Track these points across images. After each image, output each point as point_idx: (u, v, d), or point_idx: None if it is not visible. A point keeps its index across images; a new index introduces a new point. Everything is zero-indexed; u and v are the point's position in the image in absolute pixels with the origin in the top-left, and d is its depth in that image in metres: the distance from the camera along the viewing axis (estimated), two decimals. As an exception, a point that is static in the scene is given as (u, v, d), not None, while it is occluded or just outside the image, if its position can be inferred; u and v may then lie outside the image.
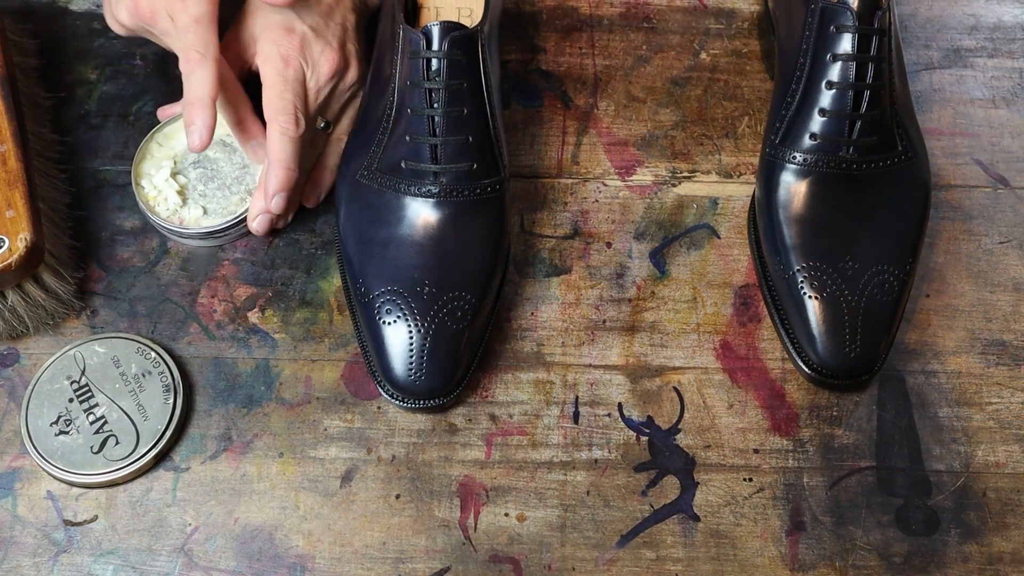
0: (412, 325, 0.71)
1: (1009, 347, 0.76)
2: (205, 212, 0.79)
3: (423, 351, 0.71)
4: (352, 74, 0.80)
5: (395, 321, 0.72)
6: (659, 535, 0.70)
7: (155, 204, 0.79)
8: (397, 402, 0.72)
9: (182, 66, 0.74)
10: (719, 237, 0.81)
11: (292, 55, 0.76)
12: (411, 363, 0.71)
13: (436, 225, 0.74)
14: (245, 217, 0.78)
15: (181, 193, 0.80)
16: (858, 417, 0.74)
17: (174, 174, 0.80)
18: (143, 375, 0.74)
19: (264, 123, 0.76)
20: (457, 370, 0.72)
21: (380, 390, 0.73)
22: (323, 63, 0.77)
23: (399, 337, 0.71)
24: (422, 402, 0.72)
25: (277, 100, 0.76)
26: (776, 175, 0.76)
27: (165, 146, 0.82)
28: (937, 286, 0.79)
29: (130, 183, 0.82)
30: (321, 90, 0.78)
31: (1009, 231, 0.81)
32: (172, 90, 0.86)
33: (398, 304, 0.72)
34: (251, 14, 0.79)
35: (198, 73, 0.73)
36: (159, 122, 0.84)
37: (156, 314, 0.77)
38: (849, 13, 0.74)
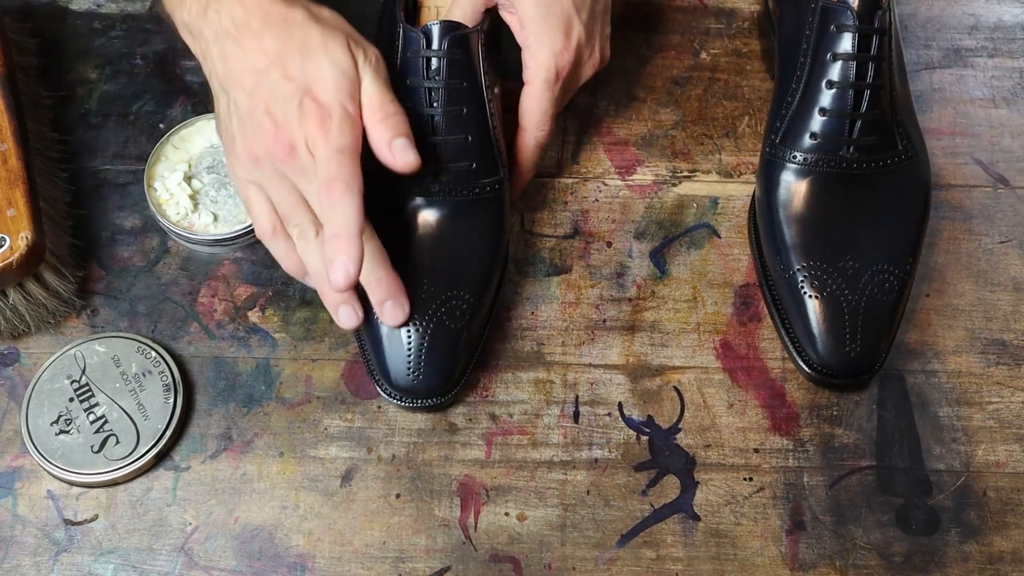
0: (410, 324, 0.71)
1: (1009, 347, 0.76)
2: (215, 219, 0.79)
3: (421, 350, 0.71)
4: (600, 64, 0.80)
5: None
6: (659, 534, 0.70)
7: (166, 207, 0.79)
8: (396, 401, 0.72)
9: (321, 198, 0.67)
10: (719, 237, 0.81)
11: (564, 69, 0.76)
12: (409, 362, 0.71)
13: (435, 224, 0.74)
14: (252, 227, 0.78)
15: (193, 198, 0.80)
16: (858, 417, 0.74)
17: (187, 178, 0.80)
18: (143, 374, 0.74)
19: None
20: (455, 369, 0.72)
21: (379, 389, 0.73)
22: (587, 70, 0.79)
23: (397, 336, 0.71)
24: (420, 401, 0.72)
25: (540, 114, 0.77)
26: (776, 174, 0.76)
27: (180, 149, 0.82)
28: (937, 286, 0.79)
29: (131, 182, 0.82)
30: (572, 91, 0.80)
31: (1009, 231, 0.81)
32: (172, 89, 0.86)
33: None
34: None
35: (344, 203, 0.66)
36: (159, 122, 0.84)
37: (156, 313, 0.77)
38: (849, 13, 0.74)
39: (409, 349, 0.71)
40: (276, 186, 0.69)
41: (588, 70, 0.78)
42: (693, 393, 0.75)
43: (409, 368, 0.71)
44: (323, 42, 0.68)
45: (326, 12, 0.71)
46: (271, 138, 0.68)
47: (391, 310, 0.71)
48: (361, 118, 0.69)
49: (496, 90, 0.77)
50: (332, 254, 0.66)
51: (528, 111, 0.77)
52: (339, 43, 0.69)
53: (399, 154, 0.69)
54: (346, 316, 0.70)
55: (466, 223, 0.74)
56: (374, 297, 0.70)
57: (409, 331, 0.71)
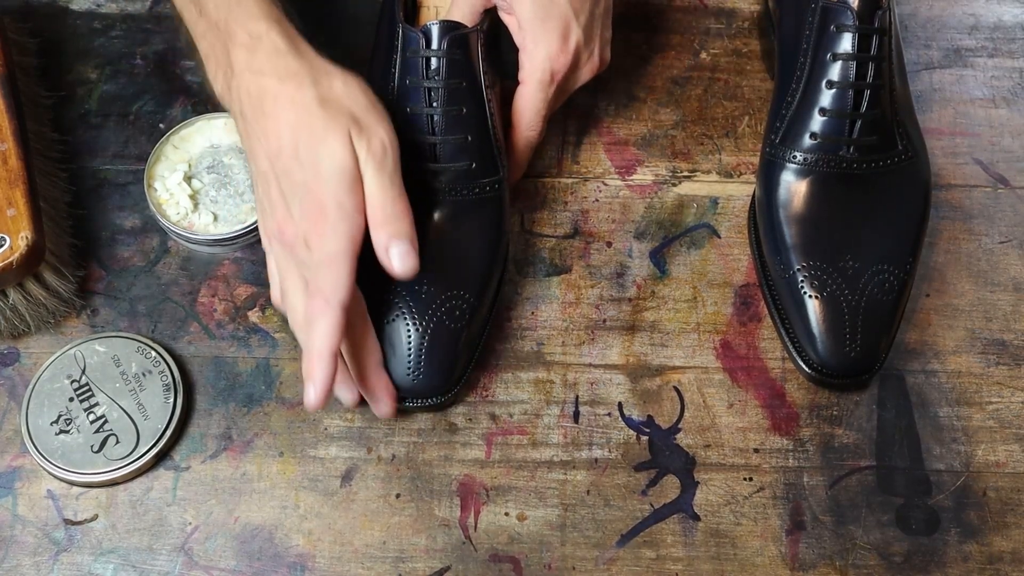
0: (410, 324, 0.71)
1: (1009, 347, 0.76)
2: (215, 219, 0.79)
3: (421, 350, 0.71)
4: (599, 67, 0.80)
5: (393, 320, 0.72)
6: (659, 534, 0.70)
7: (166, 207, 0.79)
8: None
9: (306, 307, 0.67)
10: (719, 236, 0.81)
11: (559, 72, 0.76)
12: (409, 362, 0.71)
13: (434, 224, 0.74)
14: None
15: (193, 198, 0.80)
16: (858, 417, 0.74)
17: (187, 178, 0.80)
18: (143, 374, 0.74)
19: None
20: (455, 369, 0.72)
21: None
22: (585, 73, 0.79)
23: (397, 336, 0.71)
24: (420, 401, 0.72)
25: (531, 114, 0.77)
26: (776, 174, 0.76)
27: (180, 149, 0.82)
28: (937, 286, 0.79)
29: (131, 182, 0.82)
30: (568, 92, 0.79)
31: (1009, 231, 0.81)
32: (172, 89, 0.86)
33: (396, 303, 0.72)
34: None
35: (321, 322, 0.65)
36: (159, 122, 0.84)
37: (156, 313, 0.77)
38: (849, 12, 0.74)
39: (409, 349, 0.71)
40: (282, 265, 0.69)
41: (587, 73, 0.78)
42: (693, 393, 0.75)
43: (409, 368, 0.71)
44: (323, 133, 0.66)
45: (338, 86, 0.68)
46: (278, 226, 0.68)
47: (384, 409, 0.71)
48: (361, 213, 0.67)
49: (496, 89, 0.78)
50: (306, 372, 0.66)
51: (520, 110, 0.77)
52: (339, 135, 0.66)
53: (396, 260, 0.67)
54: (309, 396, 0.66)
55: (466, 223, 0.74)
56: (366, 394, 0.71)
57: (409, 331, 0.71)
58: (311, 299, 0.65)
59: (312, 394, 0.65)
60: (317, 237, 0.66)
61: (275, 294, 0.71)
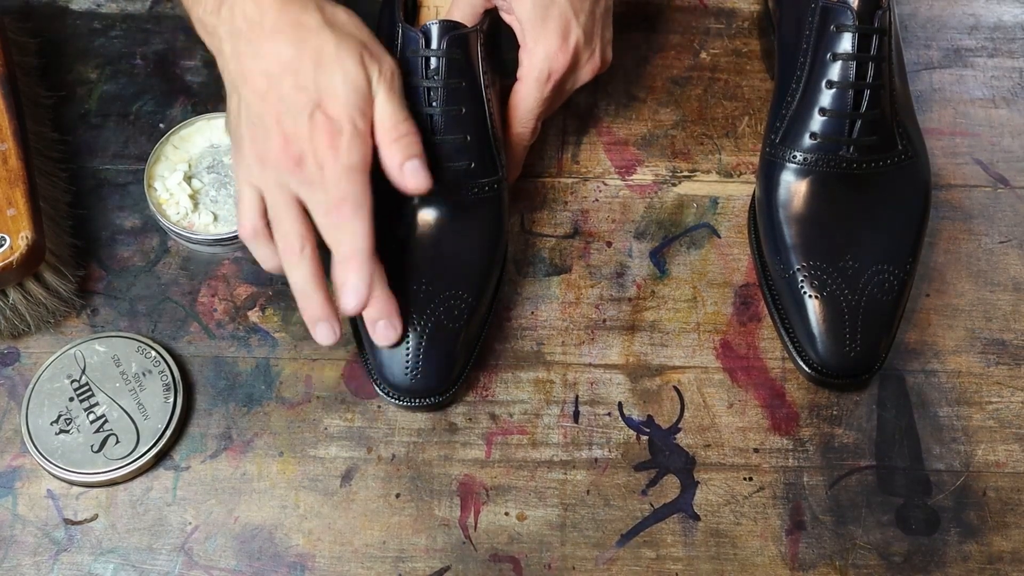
0: (408, 324, 0.71)
1: (1009, 346, 0.76)
2: (215, 219, 0.79)
3: (419, 350, 0.71)
4: (600, 68, 0.80)
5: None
6: (659, 534, 0.70)
7: (166, 207, 0.79)
8: (395, 401, 0.72)
9: (329, 217, 0.67)
10: (719, 236, 0.81)
11: (558, 71, 0.76)
12: (408, 362, 0.71)
13: (433, 224, 0.74)
14: None
15: (193, 198, 0.80)
16: (858, 416, 0.74)
17: (187, 178, 0.80)
18: (143, 374, 0.74)
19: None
20: (454, 369, 0.72)
21: (377, 390, 0.73)
22: (585, 73, 0.78)
23: None
24: (419, 401, 0.72)
25: (525, 112, 0.77)
26: (776, 174, 0.76)
27: (180, 149, 0.82)
28: (937, 285, 0.79)
29: (131, 182, 0.82)
30: (568, 92, 0.79)
31: (1009, 231, 0.81)
32: (172, 89, 0.86)
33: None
34: None
35: (355, 223, 0.67)
36: (159, 122, 0.84)
37: (156, 313, 0.77)
38: (849, 12, 0.74)
39: (407, 349, 0.71)
40: (275, 192, 0.68)
41: (587, 73, 0.78)
42: (693, 393, 0.75)
43: (407, 368, 0.71)
44: (337, 53, 0.67)
45: (341, 15, 0.70)
46: (279, 147, 0.67)
47: (383, 330, 0.70)
48: (372, 135, 0.68)
49: (495, 88, 0.77)
50: (343, 276, 0.67)
51: (514, 107, 0.77)
52: (353, 56, 0.68)
53: (410, 176, 0.69)
54: (324, 333, 0.69)
55: (465, 223, 0.74)
56: (367, 315, 0.70)
57: (407, 331, 0.71)
58: (336, 208, 0.66)
59: (352, 297, 0.67)
60: (333, 151, 0.66)
61: (247, 226, 0.70)
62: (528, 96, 0.77)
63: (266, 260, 0.71)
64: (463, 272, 0.73)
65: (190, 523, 0.71)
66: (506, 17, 0.77)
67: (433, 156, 0.74)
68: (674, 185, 0.83)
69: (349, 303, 0.67)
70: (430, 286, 0.72)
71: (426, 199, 0.74)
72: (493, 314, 0.76)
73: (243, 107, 0.69)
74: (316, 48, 0.67)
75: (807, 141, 0.76)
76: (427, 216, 0.74)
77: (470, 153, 0.74)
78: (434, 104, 0.74)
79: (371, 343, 0.72)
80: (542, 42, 0.75)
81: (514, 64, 0.77)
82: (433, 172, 0.74)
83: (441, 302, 0.72)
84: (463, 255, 0.74)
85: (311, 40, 0.68)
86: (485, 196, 0.75)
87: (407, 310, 0.71)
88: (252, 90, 0.68)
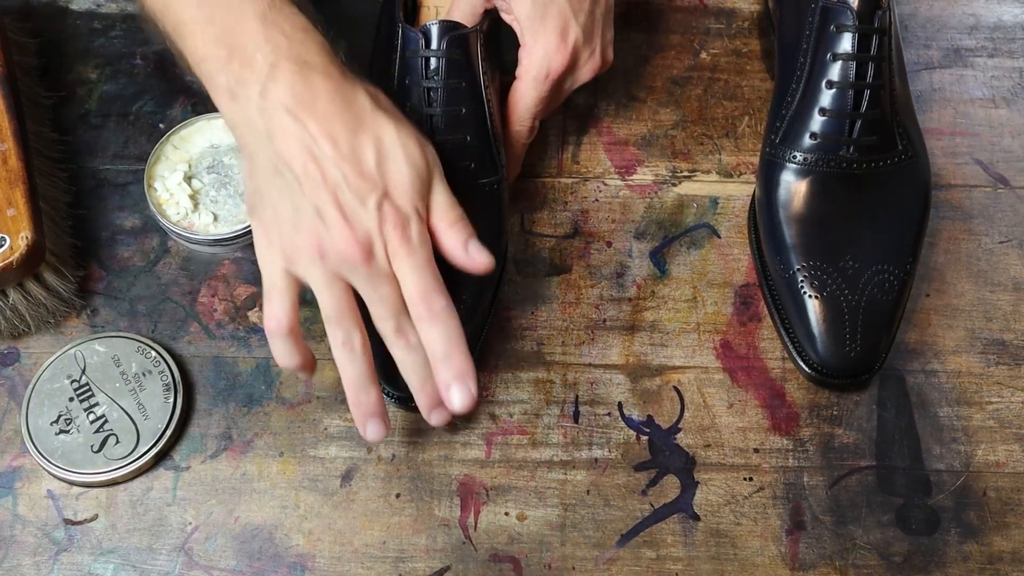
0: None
1: (1009, 346, 0.76)
2: (215, 219, 0.79)
3: None
4: (601, 67, 0.79)
5: None
6: (659, 534, 0.70)
7: (166, 207, 0.79)
8: (395, 402, 0.72)
9: (420, 312, 0.64)
10: (719, 236, 0.81)
11: (557, 70, 0.76)
12: None
13: None
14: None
15: (193, 198, 0.80)
16: (858, 416, 0.74)
17: (188, 178, 0.80)
18: (143, 374, 0.74)
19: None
20: None
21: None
22: (585, 72, 0.78)
23: None
24: None
25: (523, 109, 0.77)
26: (776, 174, 0.76)
27: (180, 149, 0.82)
28: (937, 286, 0.79)
29: (131, 182, 0.82)
30: (567, 92, 0.79)
31: (1009, 231, 0.81)
32: (172, 89, 0.86)
33: None
34: None
35: (451, 319, 0.65)
36: (159, 122, 0.84)
37: (156, 313, 0.77)
38: (849, 12, 0.74)
39: None
40: (331, 286, 0.64)
41: (586, 73, 0.78)
42: (693, 393, 0.75)
43: None
44: (399, 140, 0.64)
45: (384, 98, 0.67)
46: (345, 238, 0.63)
47: (458, 394, 0.65)
48: (430, 221, 0.66)
49: (495, 86, 0.77)
50: (447, 377, 0.64)
51: (512, 104, 0.77)
52: (414, 142, 0.65)
53: (476, 256, 0.67)
54: (377, 430, 0.67)
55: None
56: (440, 377, 0.65)
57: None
58: (426, 304, 0.64)
59: (466, 395, 0.64)
60: (406, 243, 0.64)
61: (284, 321, 0.65)
62: (526, 94, 0.77)
63: (288, 358, 0.66)
64: (462, 272, 0.73)
65: (190, 523, 0.71)
66: (506, 17, 0.77)
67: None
68: (674, 185, 0.83)
69: (461, 403, 0.64)
70: None
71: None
72: (493, 314, 0.76)
73: (285, 189, 0.64)
74: (375, 134, 0.64)
75: (807, 141, 0.76)
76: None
77: (470, 153, 0.74)
78: (434, 104, 0.74)
79: (372, 343, 0.72)
80: (541, 41, 0.75)
81: (514, 64, 0.77)
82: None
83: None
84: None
85: (369, 125, 0.64)
86: (485, 196, 0.75)
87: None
88: (302, 172, 0.63)
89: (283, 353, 0.66)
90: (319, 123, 0.63)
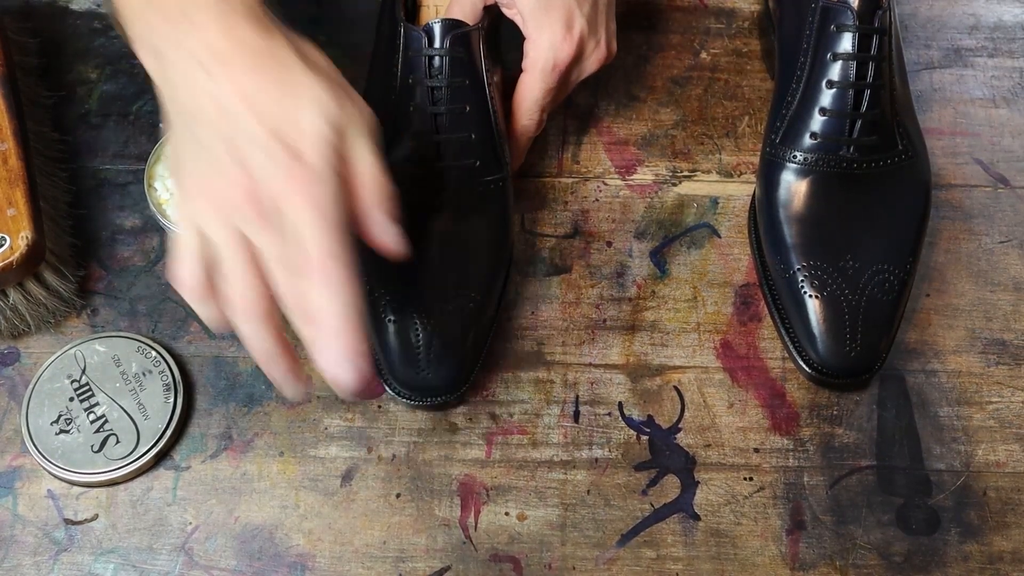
0: (417, 322, 0.71)
1: (1009, 346, 0.76)
2: None
3: (430, 348, 0.71)
4: (606, 58, 0.79)
5: (398, 319, 0.71)
6: (659, 534, 0.70)
7: (166, 207, 0.79)
8: (404, 400, 0.72)
9: (314, 276, 0.58)
10: (719, 236, 0.81)
11: (563, 61, 0.75)
12: (418, 360, 0.71)
13: (439, 222, 0.74)
14: None
15: None
16: (858, 416, 0.74)
17: None
18: (143, 374, 0.74)
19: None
20: (463, 368, 0.72)
21: (387, 388, 0.73)
22: (591, 63, 0.78)
23: (406, 335, 0.71)
24: (429, 399, 0.72)
25: (530, 102, 0.77)
26: (776, 174, 0.76)
27: None
28: (937, 285, 0.79)
29: (131, 182, 0.82)
30: (573, 83, 0.79)
31: (1009, 231, 0.81)
32: (172, 89, 0.86)
33: (402, 301, 0.72)
34: None
35: (345, 287, 0.58)
36: (160, 122, 0.84)
37: (156, 313, 0.77)
38: (849, 12, 0.74)
39: (418, 348, 0.71)
40: (225, 238, 0.59)
41: (592, 64, 0.78)
42: (693, 393, 0.75)
43: (418, 366, 0.71)
44: (309, 84, 0.60)
45: (320, 57, 0.63)
46: (240, 190, 0.59)
47: (347, 373, 0.59)
48: (350, 185, 0.60)
49: (496, 79, 0.77)
50: (333, 351, 0.58)
51: (520, 98, 0.77)
52: (333, 98, 0.60)
53: (394, 244, 0.62)
54: (296, 392, 0.62)
55: (470, 221, 0.74)
56: (327, 350, 0.59)
57: (417, 329, 0.71)
58: (321, 268, 0.58)
59: (354, 371, 0.58)
60: (309, 200, 0.58)
61: (190, 278, 0.61)
62: (534, 87, 0.76)
63: (214, 319, 0.61)
64: (471, 270, 0.73)
65: (190, 523, 0.71)
66: (508, 12, 0.77)
67: (438, 155, 0.74)
68: (674, 185, 0.83)
69: (349, 381, 0.59)
70: (438, 285, 0.72)
71: (431, 198, 0.74)
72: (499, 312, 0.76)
73: (191, 140, 0.61)
74: (287, 80, 0.60)
75: (807, 141, 0.76)
76: (433, 215, 0.74)
77: (475, 151, 0.74)
78: (439, 103, 0.74)
79: (380, 342, 0.72)
80: (546, 32, 0.75)
81: (515, 62, 0.77)
82: (439, 171, 0.74)
83: (449, 300, 0.72)
84: (470, 253, 0.74)
85: (280, 71, 0.60)
86: (490, 194, 0.75)
87: (418, 309, 0.71)
88: (208, 124, 0.60)
89: (210, 315, 0.61)
90: (229, 72, 0.60)
